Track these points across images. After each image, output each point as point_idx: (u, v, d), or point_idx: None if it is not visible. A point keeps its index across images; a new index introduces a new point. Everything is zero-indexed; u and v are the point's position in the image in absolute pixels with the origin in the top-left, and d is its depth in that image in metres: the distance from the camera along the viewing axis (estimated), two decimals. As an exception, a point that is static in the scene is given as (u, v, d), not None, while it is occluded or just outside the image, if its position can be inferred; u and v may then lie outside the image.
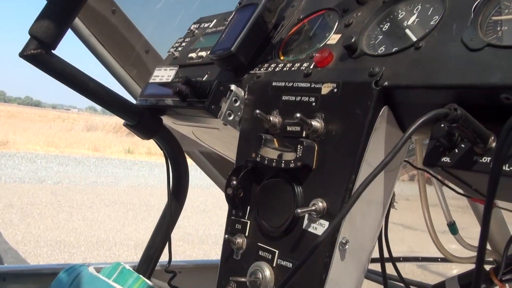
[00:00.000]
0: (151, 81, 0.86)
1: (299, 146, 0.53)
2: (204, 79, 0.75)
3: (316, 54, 0.60)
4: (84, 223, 5.40)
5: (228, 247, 0.60)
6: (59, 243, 4.54)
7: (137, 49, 1.06)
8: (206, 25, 0.90)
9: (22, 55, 0.65)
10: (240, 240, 0.58)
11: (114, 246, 4.59)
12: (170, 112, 0.75)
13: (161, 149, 0.79)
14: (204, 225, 5.84)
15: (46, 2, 0.67)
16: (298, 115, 0.53)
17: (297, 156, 0.53)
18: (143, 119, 0.74)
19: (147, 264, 0.82)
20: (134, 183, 8.63)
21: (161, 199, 6.98)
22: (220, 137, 0.74)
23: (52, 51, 0.66)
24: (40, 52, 0.63)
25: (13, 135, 12.65)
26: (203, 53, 0.81)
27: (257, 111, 0.57)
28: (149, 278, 0.80)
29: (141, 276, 0.78)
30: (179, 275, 0.82)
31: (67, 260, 4.09)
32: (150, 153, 13.70)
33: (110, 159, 12.04)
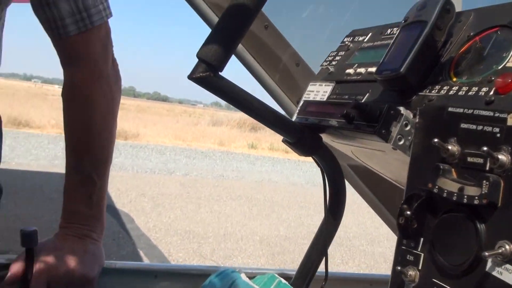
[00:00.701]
0: (306, 96, 0.86)
1: (484, 181, 0.50)
2: (364, 98, 0.73)
3: (498, 79, 0.56)
4: (212, 215, 5.63)
5: (398, 279, 0.58)
6: (188, 233, 4.77)
7: (287, 63, 1.07)
8: (360, 38, 0.88)
9: (191, 77, 0.67)
10: (412, 273, 0.56)
11: (240, 240, 4.74)
12: (331, 131, 0.74)
13: (319, 166, 0.79)
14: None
15: (212, 28, 0.69)
16: (485, 148, 0.50)
17: (483, 192, 0.50)
18: (303, 137, 0.75)
19: (303, 279, 0.82)
20: (258, 178, 8.83)
21: (284, 196, 7.09)
22: (383, 159, 0.72)
23: (220, 73, 0.68)
24: (208, 74, 0.66)
25: (144, 128, 13.52)
26: (362, 70, 0.79)
27: (436, 140, 0.54)
28: (303, 294, 0.80)
29: (298, 293, 0.78)
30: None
31: (196, 250, 4.28)
32: (273, 149, 13.92)
33: (234, 154, 12.44)
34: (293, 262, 4.19)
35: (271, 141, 15.13)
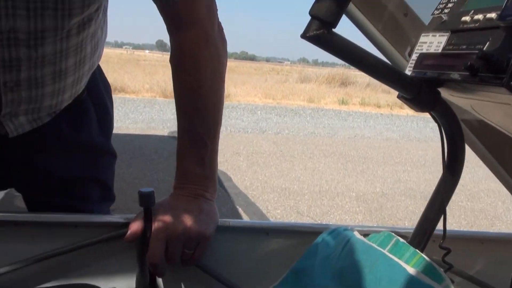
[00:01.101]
0: (418, 48, 0.82)
1: None
2: (485, 47, 0.69)
3: None
4: (306, 172, 5.67)
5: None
6: (284, 190, 4.85)
7: (395, 13, 1.03)
8: (475, -18, 0.82)
9: (305, 36, 0.66)
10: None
11: (336, 197, 4.75)
12: (451, 85, 0.71)
13: (436, 122, 0.76)
14: (425, 180, 5.67)
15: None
16: None
17: None
18: (421, 92, 0.72)
19: (421, 237, 0.81)
20: (350, 134, 8.73)
21: (378, 152, 6.96)
22: (508, 113, 0.68)
23: (333, 29, 0.66)
24: (322, 32, 0.64)
25: (234, 88, 13.71)
26: (480, 16, 0.74)
27: None
28: (421, 252, 0.79)
29: (418, 251, 0.77)
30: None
31: (293, 206, 4.35)
32: (364, 104, 13.65)
33: (324, 110, 12.34)
34: (391, 219, 4.15)
35: (362, 96, 14.83)
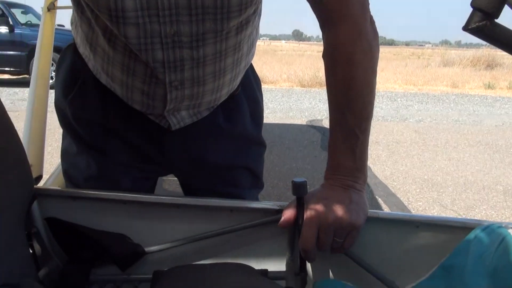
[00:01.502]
0: None
1: None
2: None
3: None
4: (450, 163, 5.40)
5: None
6: (426, 181, 4.67)
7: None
8: None
9: (467, 28, 0.65)
10: None
11: (482, 190, 4.47)
12: None
13: None
14: None
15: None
16: None
17: None
18: None
19: None
20: (498, 122, 8.12)
21: (533, 142, 6.39)
22: None
23: (495, 20, 0.64)
24: (485, 23, 0.62)
25: (373, 74, 13.34)
26: None
27: None
28: None
29: None
30: None
31: (435, 199, 4.18)
32: (513, 88, 12.56)
33: (469, 96, 11.60)
34: (547, 215, 3.81)
35: (511, 79, 13.68)
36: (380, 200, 4.01)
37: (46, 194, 1.02)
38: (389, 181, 4.63)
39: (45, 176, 1.73)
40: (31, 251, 0.97)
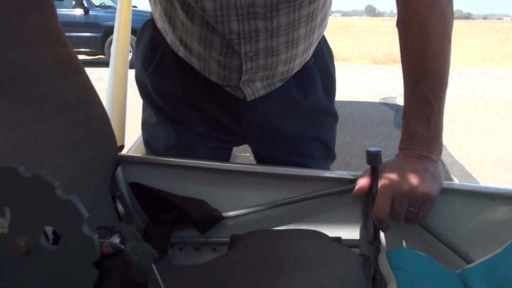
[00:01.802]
0: None
1: None
2: None
3: None
4: (533, 142, 5.14)
5: None
6: (504, 161, 4.48)
7: None
8: None
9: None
10: None
11: None
12: None
13: None
14: None
15: None
16: None
17: None
18: None
19: None
20: None
21: None
22: None
23: None
24: None
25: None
26: None
27: None
28: None
29: None
30: None
31: (513, 179, 4.01)
32: None
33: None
34: None
35: None
36: (455, 180, 3.89)
37: (129, 161, 1.08)
38: (465, 160, 4.48)
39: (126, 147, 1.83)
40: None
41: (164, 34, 1.16)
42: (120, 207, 1.04)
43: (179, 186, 1.07)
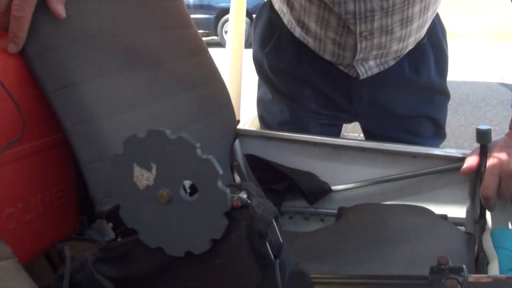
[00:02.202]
0: None
1: None
2: None
3: None
4: None
5: None
6: None
7: None
8: None
9: None
10: None
11: None
12: None
13: None
14: None
15: None
16: None
17: None
18: None
19: None
20: None
21: None
22: None
23: None
24: None
25: None
26: None
27: None
28: None
29: None
30: None
31: None
32: None
33: None
34: None
35: None
36: None
37: (246, 134, 1.16)
38: None
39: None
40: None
41: (281, 15, 1.22)
42: (236, 176, 1.13)
43: (290, 159, 1.14)
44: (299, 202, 1.14)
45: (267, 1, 1.29)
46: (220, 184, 0.51)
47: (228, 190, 0.51)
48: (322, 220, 1.13)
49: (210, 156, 0.51)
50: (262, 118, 1.37)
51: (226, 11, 8.86)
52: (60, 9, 0.74)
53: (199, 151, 0.51)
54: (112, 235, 0.74)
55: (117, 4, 0.89)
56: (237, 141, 1.13)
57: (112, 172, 0.56)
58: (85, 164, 0.75)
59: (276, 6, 1.23)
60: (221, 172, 0.51)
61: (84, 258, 0.65)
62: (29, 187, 0.79)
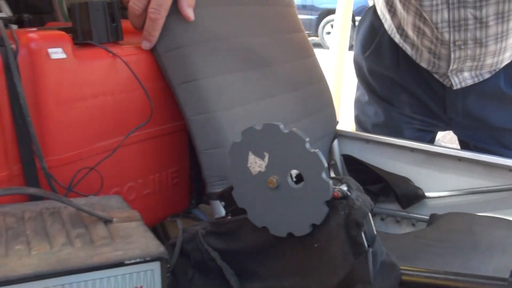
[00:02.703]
0: None
1: None
2: None
3: None
4: None
5: None
6: None
7: None
8: None
9: None
10: None
11: None
12: None
13: None
14: None
15: None
16: None
17: None
18: None
19: None
20: None
21: None
22: None
23: None
24: None
25: None
26: None
27: None
28: None
29: None
30: None
31: None
32: None
33: None
34: None
35: None
36: None
37: (344, 135, 1.22)
38: None
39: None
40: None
41: (383, 21, 1.27)
42: (332, 175, 1.19)
43: (386, 162, 1.18)
44: (392, 205, 1.18)
45: (372, 5, 1.34)
46: (324, 175, 0.57)
47: (331, 182, 0.58)
48: (413, 224, 1.16)
49: (317, 150, 0.57)
50: (357, 118, 1.42)
51: (328, 12, 8.86)
52: (190, 12, 0.84)
53: (307, 145, 0.58)
54: (219, 214, 0.83)
55: (235, 9, 0.99)
56: (335, 141, 1.19)
57: (230, 158, 0.64)
58: (202, 150, 0.85)
59: (379, 12, 1.28)
60: (326, 164, 0.57)
61: (195, 231, 0.74)
62: (149, 166, 0.90)
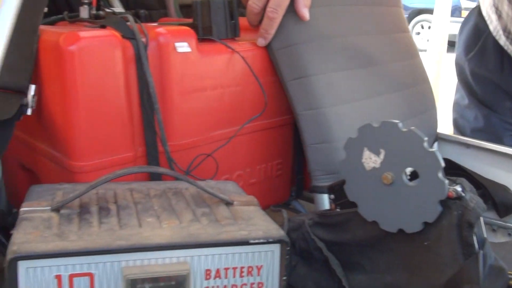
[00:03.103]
0: None
1: None
2: None
3: None
4: None
5: None
6: None
7: None
8: None
9: None
10: None
11: None
12: None
13: None
14: None
15: None
16: None
17: None
18: None
19: None
20: None
21: None
22: None
23: None
24: None
25: None
26: None
27: None
28: None
29: None
30: None
31: None
32: None
33: None
34: None
35: None
36: None
37: (444, 138, 1.21)
38: None
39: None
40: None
41: (488, 22, 1.24)
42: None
43: (485, 168, 1.16)
44: (489, 213, 1.15)
45: (476, 6, 1.31)
46: (440, 175, 0.59)
47: (447, 181, 0.59)
48: (509, 234, 1.13)
49: (435, 150, 0.59)
50: (455, 122, 1.40)
51: (418, 11, 8.61)
52: (306, 12, 0.88)
53: (426, 144, 0.60)
54: (323, 207, 0.87)
55: (345, 8, 1.01)
56: (435, 144, 1.18)
57: (344, 153, 0.67)
58: (309, 144, 0.89)
59: (484, 13, 1.25)
60: (443, 164, 0.59)
61: (301, 221, 0.78)
62: (257, 156, 0.95)
